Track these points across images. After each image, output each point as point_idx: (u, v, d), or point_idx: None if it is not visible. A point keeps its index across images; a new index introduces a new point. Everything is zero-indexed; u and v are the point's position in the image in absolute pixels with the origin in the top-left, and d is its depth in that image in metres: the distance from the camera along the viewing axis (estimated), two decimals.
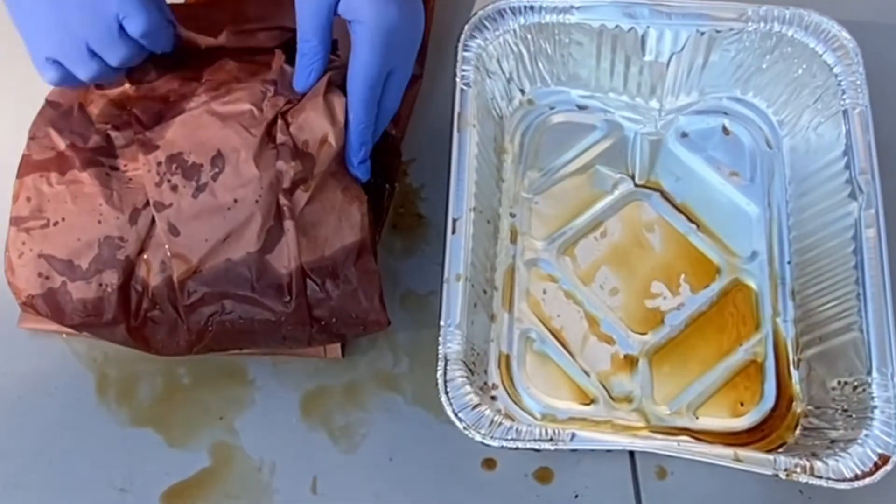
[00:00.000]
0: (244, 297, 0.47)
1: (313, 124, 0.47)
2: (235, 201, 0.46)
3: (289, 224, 0.47)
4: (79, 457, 0.50)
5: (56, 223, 0.47)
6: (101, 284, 0.47)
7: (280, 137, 0.47)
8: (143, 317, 0.48)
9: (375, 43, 0.46)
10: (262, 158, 0.47)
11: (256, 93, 0.47)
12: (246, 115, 0.47)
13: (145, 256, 0.47)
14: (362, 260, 0.47)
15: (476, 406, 0.45)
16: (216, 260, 0.47)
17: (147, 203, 0.47)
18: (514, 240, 0.54)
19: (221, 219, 0.46)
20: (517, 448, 0.45)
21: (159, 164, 0.47)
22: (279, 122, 0.47)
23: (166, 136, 0.47)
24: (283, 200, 0.47)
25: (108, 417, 0.51)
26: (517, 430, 0.45)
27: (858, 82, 0.51)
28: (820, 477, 0.43)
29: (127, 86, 0.50)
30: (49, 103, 0.50)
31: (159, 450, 0.50)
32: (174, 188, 0.47)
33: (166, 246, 0.47)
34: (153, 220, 0.47)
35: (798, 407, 0.50)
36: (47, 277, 0.47)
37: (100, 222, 0.47)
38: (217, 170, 0.46)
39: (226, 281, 0.47)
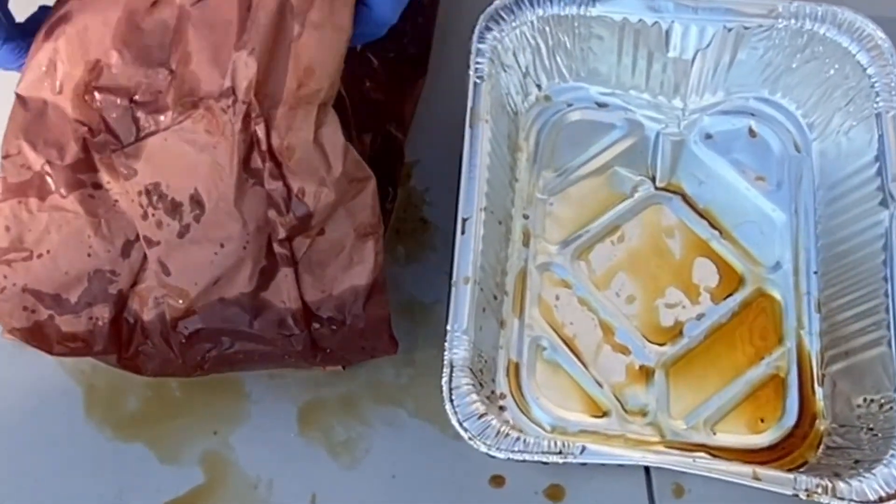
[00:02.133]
0: (242, 333, 0.48)
1: (305, 170, 0.46)
2: (222, 246, 0.47)
3: (287, 271, 0.47)
4: (66, 473, 0.52)
5: (40, 255, 0.48)
6: (91, 318, 0.48)
7: (270, 183, 0.45)
8: (135, 350, 0.49)
9: None
10: (243, 202, 0.46)
11: (219, 113, 0.45)
12: (216, 146, 0.45)
13: (138, 289, 0.48)
14: (372, 301, 0.48)
15: (482, 416, 0.47)
16: (209, 299, 0.48)
17: (139, 235, 0.48)
18: (526, 243, 0.56)
19: (209, 263, 0.47)
20: (524, 460, 0.46)
21: (140, 193, 0.47)
22: (268, 163, 0.45)
23: (142, 156, 0.46)
24: (278, 249, 0.47)
25: (97, 432, 0.53)
26: (525, 441, 0.46)
27: (893, 84, 0.53)
28: (842, 499, 0.45)
29: (84, 71, 0.47)
30: (19, 99, 0.48)
31: (151, 466, 0.52)
32: (159, 224, 0.47)
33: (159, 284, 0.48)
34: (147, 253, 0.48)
35: (821, 425, 0.51)
36: (33, 311, 0.48)
37: (89, 255, 0.48)
38: (197, 212, 0.46)
39: (221, 319, 0.48)
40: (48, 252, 0.48)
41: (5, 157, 0.48)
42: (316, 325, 0.48)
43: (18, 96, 0.48)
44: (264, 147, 0.45)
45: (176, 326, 0.48)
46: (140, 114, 0.46)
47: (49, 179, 0.48)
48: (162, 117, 0.46)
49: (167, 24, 0.46)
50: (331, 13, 0.45)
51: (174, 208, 0.46)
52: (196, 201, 0.46)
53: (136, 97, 0.46)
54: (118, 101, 0.46)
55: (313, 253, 0.47)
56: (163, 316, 0.49)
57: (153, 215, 0.47)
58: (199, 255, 0.47)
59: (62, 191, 0.47)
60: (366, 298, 0.48)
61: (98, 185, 0.48)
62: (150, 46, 0.46)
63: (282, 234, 0.47)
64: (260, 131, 0.45)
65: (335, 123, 0.46)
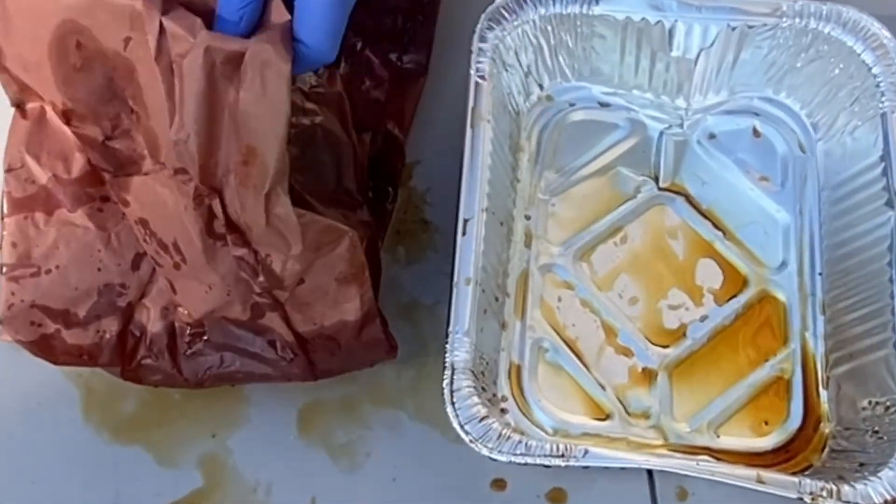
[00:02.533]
0: (245, 351, 0.49)
1: (267, 244, 0.45)
2: (210, 287, 0.47)
3: (272, 315, 0.48)
4: (64, 476, 0.52)
5: (49, 271, 0.48)
6: (98, 331, 0.48)
7: (236, 249, 0.45)
8: (139, 363, 0.49)
9: None
10: (215, 261, 0.46)
11: (179, 183, 0.44)
12: (185, 207, 0.45)
13: (146, 301, 0.49)
14: (366, 330, 0.48)
15: (483, 418, 0.47)
16: (213, 318, 0.48)
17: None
18: (528, 244, 0.56)
19: (203, 298, 0.48)
20: (526, 464, 0.47)
21: (136, 222, 0.47)
22: (230, 235, 0.45)
23: (130, 191, 0.46)
24: (259, 300, 0.47)
25: (94, 435, 0.53)
26: (527, 444, 0.47)
27: None
28: (847, 502, 0.45)
29: (49, 110, 0.46)
30: (19, 110, 0.48)
31: (148, 469, 0.52)
32: (157, 253, 0.47)
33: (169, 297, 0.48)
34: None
35: (826, 428, 0.52)
36: (40, 325, 0.48)
37: (99, 270, 0.48)
38: (181, 257, 0.46)
39: (223, 334, 0.49)
40: (57, 268, 0.48)
41: (8, 170, 0.48)
42: (312, 349, 0.49)
43: (16, 106, 0.47)
44: (223, 220, 0.45)
45: (183, 334, 0.49)
46: (117, 147, 0.46)
47: (56, 194, 0.47)
48: (139, 160, 0.46)
49: (109, 67, 0.44)
50: (263, 87, 0.41)
51: (164, 246, 0.47)
52: (177, 249, 0.46)
53: (109, 135, 0.46)
54: (92, 138, 0.46)
55: (297, 297, 0.47)
56: (169, 328, 0.49)
57: (150, 244, 0.47)
58: (195, 288, 0.47)
59: (70, 206, 0.47)
60: (358, 330, 0.49)
61: (106, 198, 0.48)
62: (95, 89, 0.45)
63: (258, 290, 0.47)
64: (216, 206, 0.44)
65: (286, 206, 0.43)
